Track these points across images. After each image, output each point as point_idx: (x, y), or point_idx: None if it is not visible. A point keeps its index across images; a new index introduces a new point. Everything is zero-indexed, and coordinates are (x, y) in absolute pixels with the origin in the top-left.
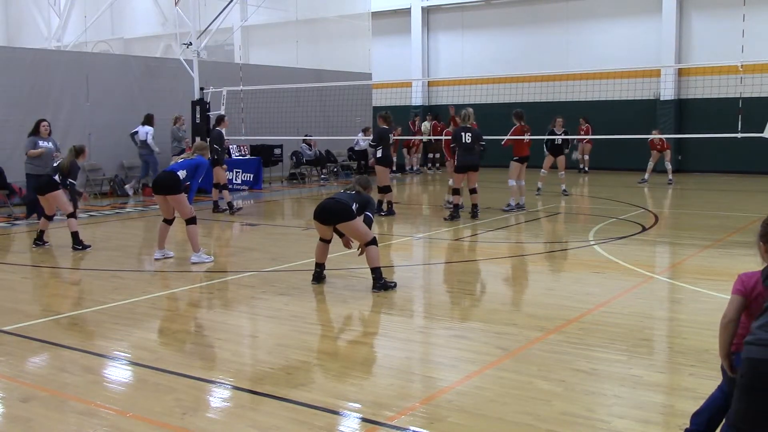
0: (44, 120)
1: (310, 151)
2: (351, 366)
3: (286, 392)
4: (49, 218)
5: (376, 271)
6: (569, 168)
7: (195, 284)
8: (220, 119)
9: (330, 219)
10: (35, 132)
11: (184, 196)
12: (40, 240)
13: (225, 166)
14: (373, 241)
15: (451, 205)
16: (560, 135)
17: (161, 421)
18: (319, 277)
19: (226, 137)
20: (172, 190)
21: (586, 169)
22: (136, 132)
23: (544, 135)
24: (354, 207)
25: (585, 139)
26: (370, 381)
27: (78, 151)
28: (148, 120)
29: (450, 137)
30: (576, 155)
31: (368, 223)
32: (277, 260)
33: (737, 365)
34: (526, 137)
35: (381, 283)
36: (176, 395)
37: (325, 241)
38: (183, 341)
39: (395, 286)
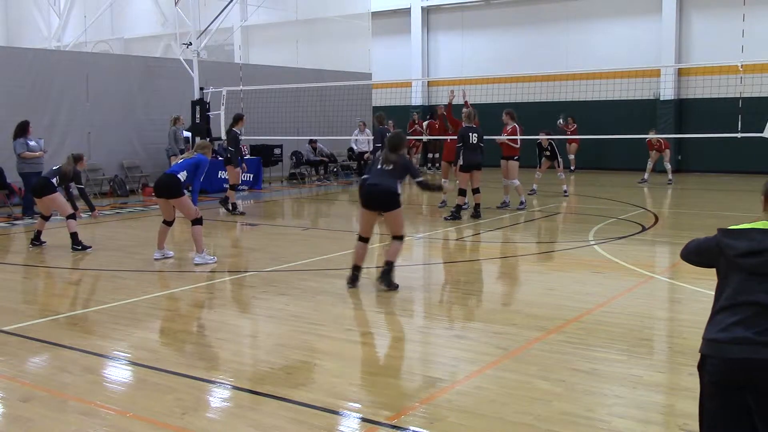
0: (28, 120)
1: (314, 154)
2: (351, 366)
3: (286, 392)
4: (46, 218)
5: (390, 264)
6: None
7: (195, 284)
8: (237, 119)
9: (377, 205)
10: (24, 133)
11: (186, 198)
12: (37, 240)
13: (239, 169)
14: (402, 238)
15: (444, 205)
16: (547, 147)
17: (161, 421)
18: (354, 280)
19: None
20: (174, 194)
21: (572, 168)
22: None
23: (537, 135)
24: (399, 188)
25: (569, 139)
26: (370, 381)
27: (76, 159)
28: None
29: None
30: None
31: (424, 186)
32: (277, 260)
33: None
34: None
35: (389, 277)
36: (176, 395)
37: (365, 240)
38: (183, 341)
39: (397, 288)
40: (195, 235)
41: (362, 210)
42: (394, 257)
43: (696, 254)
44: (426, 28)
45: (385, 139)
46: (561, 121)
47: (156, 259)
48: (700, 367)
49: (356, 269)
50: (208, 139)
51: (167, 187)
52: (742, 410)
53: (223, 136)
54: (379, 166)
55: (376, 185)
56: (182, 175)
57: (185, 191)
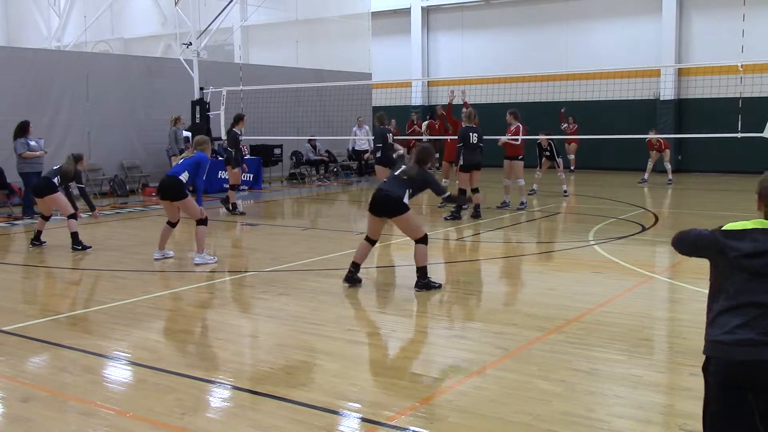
0: (29, 120)
1: (314, 153)
2: (351, 366)
3: (286, 392)
4: (46, 218)
5: (421, 270)
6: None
7: (195, 284)
8: (237, 119)
9: (382, 211)
10: (25, 133)
11: (190, 199)
12: (37, 240)
13: (238, 170)
14: (423, 239)
15: (444, 205)
16: (547, 147)
17: (161, 421)
18: (350, 278)
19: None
20: (177, 196)
21: (572, 168)
22: None
23: (537, 135)
24: (406, 197)
25: (568, 139)
26: (370, 381)
27: (76, 159)
28: None
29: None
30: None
31: (452, 200)
32: (277, 260)
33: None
34: (522, 137)
35: (424, 282)
36: (176, 395)
37: (371, 242)
38: (183, 341)
39: (440, 286)
40: (198, 234)
41: (369, 214)
42: (422, 262)
43: (691, 248)
44: (426, 28)
45: (413, 151)
46: (565, 125)
47: (156, 259)
48: (705, 368)
49: (354, 266)
50: (210, 139)
51: (170, 190)
52: (746, 411)
53: (224, 136)
54: (396, 173)
55: (383, 191)
56: (184, 176)
57: (188, 192)
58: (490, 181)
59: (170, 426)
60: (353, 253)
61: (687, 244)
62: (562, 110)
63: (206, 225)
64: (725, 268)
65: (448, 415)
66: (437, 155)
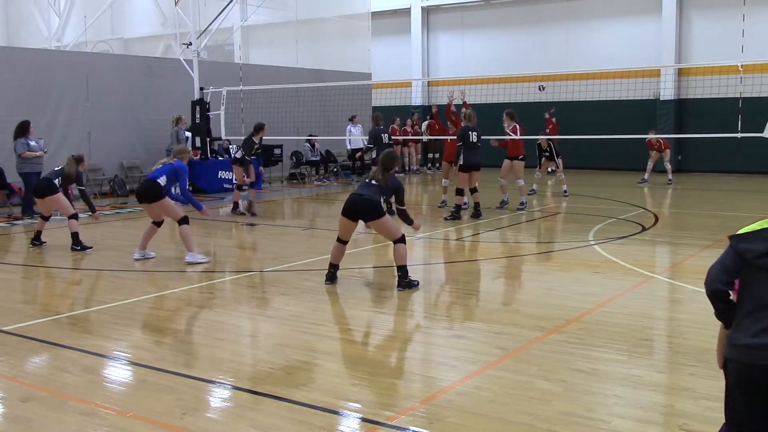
0: (29, 120)
1: (313, 151)
2: (351, 366)
3: (286, 392)
4: (46, 218)
5: (402, 269)
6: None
7: (195, 284)
8: (258, 128)
9: (358, 215)
10: (25, 133)
11: (168, 200)
12: (37, 240)
13: (242, 169)
14: (402, 239)
15: (444, 205)
16: (546, 147)
17: (161, 421)
18: (332, 277)
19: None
20: (153, 197)
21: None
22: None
23: (538, 135)
24: (382, 201)
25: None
26: (370, 381)
27: (77, 160)
28: None
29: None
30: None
31: (403, 215)
32: (277, 260)
33: None
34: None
35: (406, 281)
36: (176, 395)
37: (343, 242)
38: (183, 341)
39: (418, 284)
40: (183, 234)
41: (341, 217)
42: (402, 261)
43: (726, 274)
44: (426, 28)
45: (379, 158)
46: (548, 128)
47: (136, 259)
48: (724, 367)
49: (333, 267)
50: (210, 139)
51: (146, 192)
52: (765, 408)
53: (224, 136)
54: (367, 180)
55: (359, 195)
56: (162, 180)
57: (165, 194)
58: (489, 181)
59: (170, 426)
60: (350, 252)
61: (720, 273)
62: (552, 110)
63: (188, 224)
64: (746, 272)
65: (448, 415)
66: (437, 155)
